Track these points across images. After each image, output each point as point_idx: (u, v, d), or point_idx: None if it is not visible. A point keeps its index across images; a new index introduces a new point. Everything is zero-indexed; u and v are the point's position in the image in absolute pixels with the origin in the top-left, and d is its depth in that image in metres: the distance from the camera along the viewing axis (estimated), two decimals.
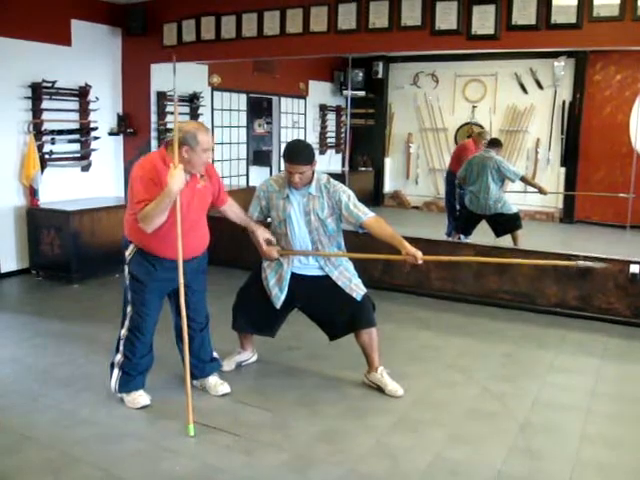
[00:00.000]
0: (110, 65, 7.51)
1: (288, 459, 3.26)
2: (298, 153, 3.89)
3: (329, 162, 11.61)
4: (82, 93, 7.13)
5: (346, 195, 3.94)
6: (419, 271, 6.21)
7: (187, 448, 3.37)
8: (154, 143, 7.99)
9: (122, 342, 3.79)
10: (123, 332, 3.78)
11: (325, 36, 6.22)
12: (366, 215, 3.90)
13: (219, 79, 9.06)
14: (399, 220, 9.57)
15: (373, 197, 11.87)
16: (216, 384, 4.03)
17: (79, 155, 7.24)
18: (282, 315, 4.22)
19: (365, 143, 11.80)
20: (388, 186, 12.21)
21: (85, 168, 7.32)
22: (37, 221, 6.68)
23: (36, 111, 6.73)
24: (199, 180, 3.68)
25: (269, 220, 4.17)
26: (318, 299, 4.04)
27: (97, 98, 7.27)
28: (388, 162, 12.14)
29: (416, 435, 3.53)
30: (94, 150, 7.36)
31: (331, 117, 11.98)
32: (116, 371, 3.81)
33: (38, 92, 6.69)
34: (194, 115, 8.66)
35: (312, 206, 3.94)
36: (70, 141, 7.14)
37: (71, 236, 6.48)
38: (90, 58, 7.21)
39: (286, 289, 4.05)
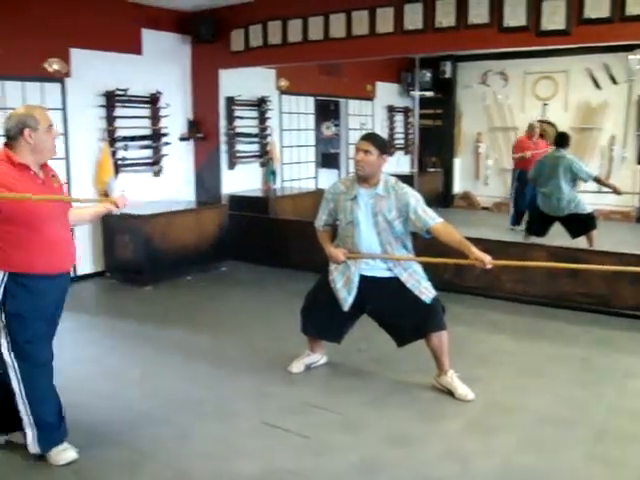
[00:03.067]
0: (180, 72, 7.69)
1: (358, 462, 3.26)
2: (371, 135, 4.10)
3: (397, 164, 11.54)
4: (153, 100, 7.32)
5: (414, 199, 3.90)
6: (490, 273, 6.01)
7: (256, 449, 3.40)
8: (223, 147, 8.14)
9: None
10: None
11: (391, 37, 6.17)
12: (434, 220, 3.86)
13: (287, 83, 9.14)
14: (469, 221, 9.46)
15: (442, 198, 11.75)
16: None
17: (151, 161, 7.43)
18: (350, 320, 4.21)
19: (434, 144, 11.68)
20: (457, 187, 12.06)
21: (157, 173, 7.50)
22: (111, 225, 6.88)
23: (110, 119, 6.94)
24: (53, 180, 3.24)
25: (337, 223, 4.17)
26: (386, 302, 4.01)
27: (168, 104, 7.44)
28: (457, 163, 12.00)
29: (487, 440, 3.46)
30: (165, 155, 7.53)
31: (399, 118, 11.92)
32: (29, 431, 3.19)
33: (112, 100, 6.91)
34: (263, 119, 8.76)
35: (380, 207, 3.91)
36: (142, 147, 7.33)
37: (143, 239, 6.65)
38: (160, 66, 7.40)
39: (354, 291, 4.03)
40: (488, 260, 3.67)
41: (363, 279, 4.03)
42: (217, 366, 4.55)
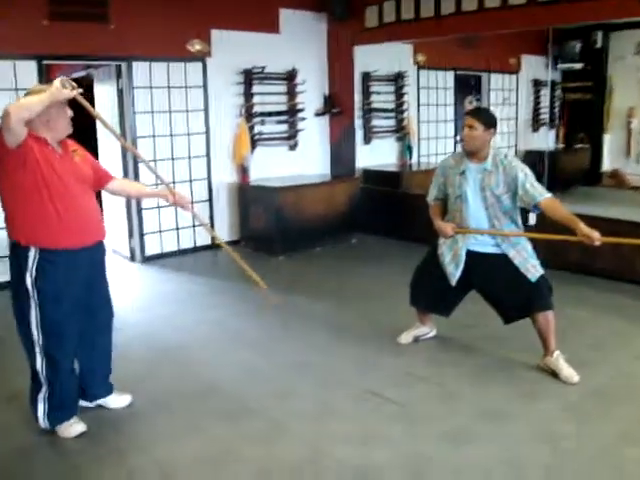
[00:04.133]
0: (316, 49, 7.88)
1: (448, 431, 3.34)
2: (476, 110, 4.17)
3: (543, 139, 11.15)
4: (290, 77, 7.59)
5: (523, 173, 3.85)
6: (622, 256, 5.84)
7: (351, 412, 3.58)
8: (359, 122, 8.30)
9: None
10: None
11: (526, 9, 6.00)
12: (542, 195, 3.79)
13: (424, 57, 9.10)
14: (617, 199, 8.94)
15: (589, 176, 11.20)
16: (116, 399, 3.65)
17: (286, 135, 7.72)
18: (458, 295, 4.25)
19: (582, 119, 11.17)
20: (606, 164, 11.44)
21: (292, 147, 7.79)
22: (246, 196, 7.27)
23: (247, 95, 7.30)
24: (73, 155, 3.25)
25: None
26: (493, 278, 4.01)
27: (304, 81, 7.68)
28: (607, 139, 11.37)
29: (584, 426, 3.39)
30: (301, 130, 7.80)
31: (545, 92, 11.46)
32: (41, 405, 3.31)
33: (249, 78, 7.25)
34: (399, 94, 8.80)
35: (487, 182, 3.91)
36: (278, 122, 7.64)
37: (276, 211, 6.96)
38: (297, 44, 7.64)
39: (461, 266, 4.06)
40: (597, 237, 3.56)
41: (471, 254, 4.05)
42: (331, 333, 4.76)
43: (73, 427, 3.35)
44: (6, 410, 3.68)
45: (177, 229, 7.11)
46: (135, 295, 5.86)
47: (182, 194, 3.70)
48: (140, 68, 6.60)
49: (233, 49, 7.11)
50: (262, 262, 6.86)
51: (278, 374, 4.09)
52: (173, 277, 6.47)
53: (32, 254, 3.09)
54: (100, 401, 3.62)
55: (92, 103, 7.03)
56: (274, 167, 7.62)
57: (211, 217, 7.32)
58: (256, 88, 7.34)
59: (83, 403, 3.56)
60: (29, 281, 3.10)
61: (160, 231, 7.01)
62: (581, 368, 3.93)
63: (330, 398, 3.75)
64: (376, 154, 8.70)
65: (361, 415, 3.56)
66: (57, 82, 2.95)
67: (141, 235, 6.91)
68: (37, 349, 3.19)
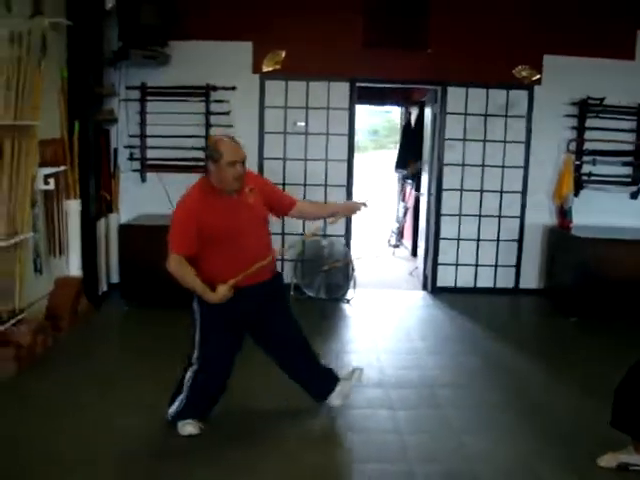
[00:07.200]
0: None
1: None
2: None
3: None
4: (639, 111, 6.41)
5: None
6: None
7: None
8: None
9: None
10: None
11: None
12: None
13: None
14: None
15: None
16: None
17: (628, 180, 6.55)
18: None
19: None
20: None
21: (634, 195, 6.57)
22: (560, 243, 6.37)
23: (580, 129, 6.43)
24: (248, 195, 3.37)
25: None
26: None
27: None
28: None
29: None
30: None
31: None
32: (180, 398, 3.55)
33: (583, 110, 6.37)
34: None
35: None
36: (616, 163, 6.52)
37: (575, 265, 5.96)
38: None
39: None
40: None
41: None
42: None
43: (188, 427, 3.53)
44: None
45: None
46: None
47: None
48: (456, 93, 6.38)
49: (567, 77, 6.34)
50: (550, 320, 6.04)
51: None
52: None
53: None
54: None
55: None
56: (605, 215, 6.51)
57: (518, 258, 6.67)
58: (591, 122, 6.40)
59: None
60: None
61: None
62: None
63: None
64: None
65: None
66: (224, 291, 3.22)
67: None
68: (194, 359, 3.54)
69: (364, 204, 3.67)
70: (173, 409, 3.53)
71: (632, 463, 3.28)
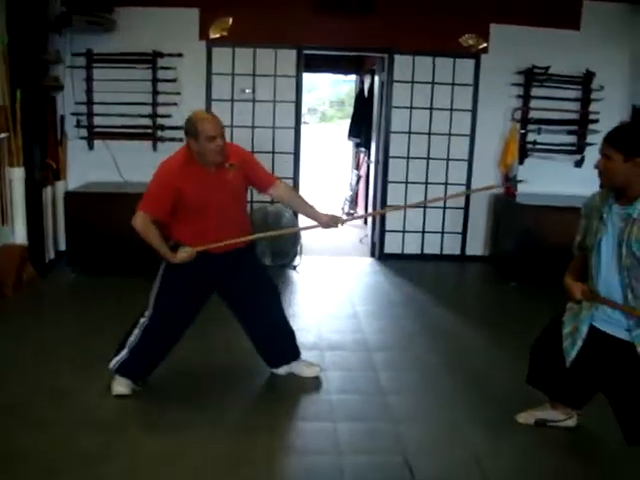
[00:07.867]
0: (620, 49, 6.55)
1: None
2: (614, 131, 2.74)
3: None
4: (582, 81, 6.51)
5: None
6: None
7: None
8: None
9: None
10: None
11: None
12: None
13: None
14: None
15: None
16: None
17: (572, 148, 6.67)
18: (582, 382, 3.11)
19: None
20: None
21: (578, 163, 6.70)
22: (504, 211, 6.49)
23: (525, 98, 6.51)
24: (228, 170, 3.37)
25: None
26: (612, 375, 2.88)
27: (601, 87, 6.52)
28: None
29: None
30: (591, 145, 6.62)
31: None
32: (124, 352, 3.59)
33: (529, 79, 6.45)
34: None
35: (628, 234, 2.69)
36: (560, 132, 6.63)
37: (519, 232, 6.09)
38: (596, 42, 6.47)
39: (578, 344, 2.94)
40: None
41: (594, 332, 2.90)
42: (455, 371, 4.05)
43: (121, 386, 3.59)
44: None
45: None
46: None
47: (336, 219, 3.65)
48: (403, 61, 6.42)
49: (514, 46, 6.39)
50: (493, 286, 6.18)
51: None
52: None
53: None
54: None
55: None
56: (550, 184, 6.62)
57: (464, 226, 6.79)
58: (536, 91, 6.49)
59: None
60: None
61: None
62: None
63: None
64: None
65: None
66: (185, 254, 3.29)
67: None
68: (147, 312, 3.58)
69: (341, 222, 3.65)
70: (114, 362, 3.55)
71: (549, 419, 3.41)
